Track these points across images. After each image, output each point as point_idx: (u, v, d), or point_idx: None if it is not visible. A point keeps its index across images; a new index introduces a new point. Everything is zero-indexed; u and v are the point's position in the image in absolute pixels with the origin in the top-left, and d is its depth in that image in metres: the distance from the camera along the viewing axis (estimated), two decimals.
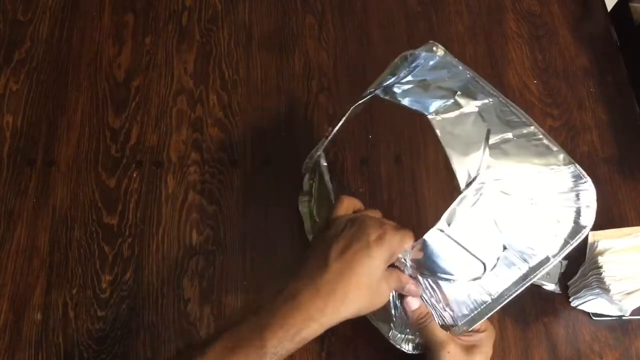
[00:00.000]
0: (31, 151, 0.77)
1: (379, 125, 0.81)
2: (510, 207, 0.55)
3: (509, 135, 0.58)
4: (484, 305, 0.58)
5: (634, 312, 0.68)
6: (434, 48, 0.64)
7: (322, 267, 0.51)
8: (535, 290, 0.72)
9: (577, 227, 0.57)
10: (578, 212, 0.57)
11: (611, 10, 0.95)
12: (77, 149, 0.77)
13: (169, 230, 0.73)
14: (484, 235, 0.55)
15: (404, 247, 0.55)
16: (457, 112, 0.58)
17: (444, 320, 0.60)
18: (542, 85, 0.86)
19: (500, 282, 0.57)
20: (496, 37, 0.89)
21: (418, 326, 0.59)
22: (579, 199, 0.57)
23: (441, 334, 0.58)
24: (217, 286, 0.71)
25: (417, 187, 0.78)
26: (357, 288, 0.51)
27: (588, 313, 0.71)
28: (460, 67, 0.62)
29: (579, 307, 0.71)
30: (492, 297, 0.58)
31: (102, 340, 0.67)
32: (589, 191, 0.57)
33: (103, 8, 0.87)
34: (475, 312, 0.58)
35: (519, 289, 0.57)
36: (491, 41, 0.89)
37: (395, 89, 0.63)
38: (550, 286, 0.72)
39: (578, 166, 0.57)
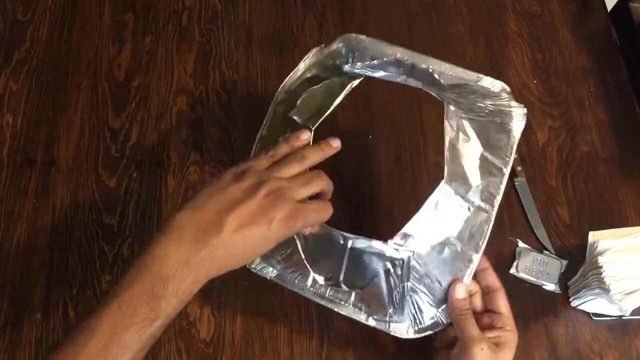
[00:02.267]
0: (31, 151, 0.77)
1: (379, 126, 0.81)
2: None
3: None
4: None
5: (634, 312, 0.68)
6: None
7: (215, 234, 0.48)
8: (535, 290, 0.72)
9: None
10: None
11: (611, 10, 0.95)
12: (77, 149, 0.77)
13: None
14: None
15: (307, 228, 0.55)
16: None
17: (435, 297, 0.61)
18: (542, 85, 0.86)
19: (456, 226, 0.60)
20: (496, 37, 0.89)
21: (457, 317, 0.59)
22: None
23: (477, 331, 0.58)
24: (217, 286, 0.71)
25: (417, 187, 0.78)
26: (242, 258, 0.51)
27: (588, 313, 0.71)
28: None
29: (579, 307, 0.71)
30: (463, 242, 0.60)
31: None
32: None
33: (103, 8, 0.87)
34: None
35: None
36: (491, 41, 0.89)
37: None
38: (550, 286, 0.72)
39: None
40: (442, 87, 0.63)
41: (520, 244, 0.74)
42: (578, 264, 0.71)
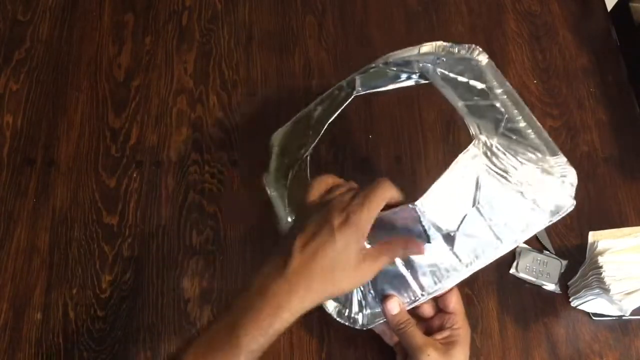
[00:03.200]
0: (31, 151, 0.77)
1: (379, 125, 0.81)
2: (495, 185, 0.57)
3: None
4: (455, 272, 0.59)
5: (634, 312, 0.68)
6: (476, 53, 0.66)
7: (287, 259, 0.51)
8: (535, 290, 0.72)
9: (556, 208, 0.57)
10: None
11: (611, 10, 0.95)
12: (77, 149, 0.77)
13: (169, 230, 0.73)
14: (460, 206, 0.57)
15: (372, 219, 0.54)
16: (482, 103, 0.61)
17: (413, 295, 0.60)
18: (542, 85, 0.86)
19: (471, 249, 0.58)
20: (496, 37, 0.89)
21: (398, 331, 0.60)
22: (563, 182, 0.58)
23: (421, 339, 0.58)
24: (217, 286, 0.71)
25: (417, 187, 0.78)
26: (322, 277, 0.51)
27: (588, 313, 0.71)
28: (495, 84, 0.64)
29: (579, 307, 0.71)
30: (465, 265, 0.59)
31: (102, 340, 0.67)
32: (569, 175, 0.58)
33: (103, 8, 0.87)
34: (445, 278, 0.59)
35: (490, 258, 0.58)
36: (491, 41, 0.89)
37: (437, 78, 0.63)
38: (550, 286, 0.72)
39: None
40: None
41: (521, 244, 0.74)
42: (578, 264, 0.71)
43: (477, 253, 0.58)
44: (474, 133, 0.57)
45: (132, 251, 0.72)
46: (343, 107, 0.67)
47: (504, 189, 0.57)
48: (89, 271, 0.70)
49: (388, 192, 0.56)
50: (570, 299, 0.71)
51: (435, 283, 0.60)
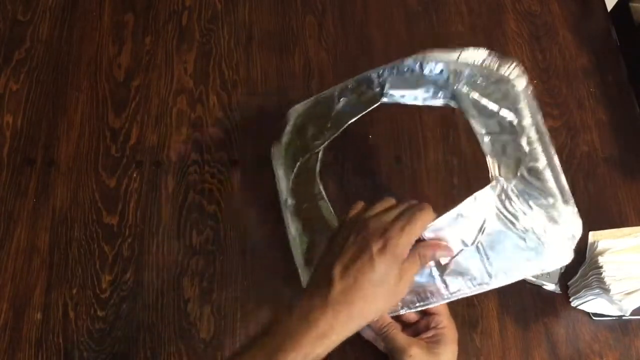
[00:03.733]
0: (31, 151, 0.77)
1: (379, 126, 0.81)
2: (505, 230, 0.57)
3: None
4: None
5: (634, 312, 0.68)
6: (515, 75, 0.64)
7: (328, 285, 0.51)
8: (535, 290, 0.72)
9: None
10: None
11: (611, 10, 0.95)
12: (77, 149, 0.77)
13: (169, 230, 0.73)
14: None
15: (411, 244, 0.54)
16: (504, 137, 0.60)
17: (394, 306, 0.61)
18: (542, 85, 0.86)
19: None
20: (496, 37, 0.89)
21: (381, 335, 0.61)
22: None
23: (402, 340, 0.59)
24: (217, 286, 0.71)
25: (417, 187, 0.78)
26: (363, 303, 0.51)
27: (588, 313, 0.71)
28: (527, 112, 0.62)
29: (579, 307, 0.71)
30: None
31: (102, 340, 0.67)
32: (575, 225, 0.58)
33: (103, 8, 0.87)
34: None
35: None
36: (491, 41, 0.89)
37: (466, 105, 0.63)
38: (550, 286, 0.72)
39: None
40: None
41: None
42: (578, 264, 0.71)
43: (465, 285, 0.59)
44: (493, 174, 0.57)
45: (132, 251, 0.72)
46: (368, 111, 0.66)
47: (508, 235, 0.57)
48: (89, 271, 0.70)
49: (429, 217, 0.55)
50: (570, 299, 0.71)
51: (417, 302, 0.61)
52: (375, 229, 0.53)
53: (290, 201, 0.71)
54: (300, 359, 0.49)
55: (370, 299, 0.51)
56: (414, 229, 0.54)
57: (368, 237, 0.52)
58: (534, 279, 0.72)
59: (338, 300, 0.50)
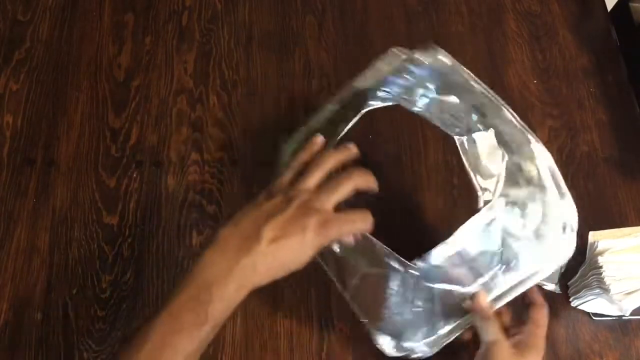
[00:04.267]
0: (31, 151, 0.77)
1: (379, 125, 0.81)
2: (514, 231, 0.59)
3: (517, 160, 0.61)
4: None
5: (634, 312, 0.68)
6: (440, 56, 0.67)
7: (254, 243, 0.53)
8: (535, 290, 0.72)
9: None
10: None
11: (611, 10, 0.95)
12: (77, 149, 0.77)
13: (169, 230, 0.73)
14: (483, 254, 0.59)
15: (333, 202, 0.56)
16: (477, 135, 0.62)
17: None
18: (542, 85, 0.86)
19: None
20: (496, 37, 0.89)
21: (480, 320, 0.60)
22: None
23: (497, 334, 0.59)
24: None
25: (417, 187, 0.78)
26: (282, 265, 0.54)
27: (588, 313, 0.71)
28: (472, 83, 0.66)
29: (579, 307, 0.71)
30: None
31: (102, 340, 0.67)
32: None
33: (103, 8, 0.87)
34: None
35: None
36: (491, 41, 0.89)
37: (417, 102, 0.65)
38: (550, 286, 0.72)
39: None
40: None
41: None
42: (578, 264, 0.71)
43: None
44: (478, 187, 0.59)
45: (132, 251, 0.72)
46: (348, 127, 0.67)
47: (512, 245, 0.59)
48: (89, 271, 0.70)
49: (353, 184, 0.58)
50: (570, 299, 0.71)
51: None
52: (305, 204, 0.55)
53: None
54: (225, 304, 0.51)
55: (289, 263, 0.54)
56: (335, 196, 0.56)
57: (306, 214, 0.54)
58: None
59: (261, 260, 0.53)
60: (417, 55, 0.69)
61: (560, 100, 0.85)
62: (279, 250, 0.53)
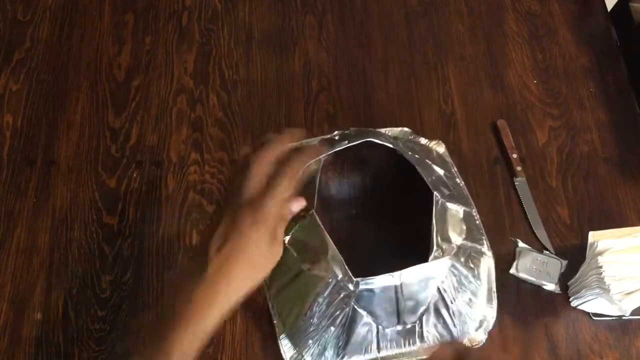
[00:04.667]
0: (31, 151, 0.77)
1: (379, 125, 0.81)
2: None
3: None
4: None
5: (634, 312, 0.68)
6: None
7: (205, 264, 0.52)
8: (535, 290, 0.72)
9: None
10: None
11: (611, 10, 0.95)
12: (77, 149, 0.77)
13: (169, 230, 0.73)
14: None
15: (281, 206, 0.54)
16: (450, 205, 0.67)
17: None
18: (542, 85, 0.86)
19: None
20: (496, 37, 0.89)
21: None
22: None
23: None
24: None
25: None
26: (240, 271, 0.53)
27: (588, 313, 0.71)
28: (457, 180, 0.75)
29: (579, 307, 0.71)
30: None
31: (102, 340, 0.67)
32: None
33: (103, 8, 0.87)
34: None
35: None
36: (491, 41, 0.89)
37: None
38: (550, 286, 0.72)
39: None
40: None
41: (520, 244, 0.74)
42: (578, 264, 0.71)
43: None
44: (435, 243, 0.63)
45: (132, 251, 0.72)
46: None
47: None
48: (89, 271, 0.70)
49: (297, 168, 0.54)
50: (570, 299, 0.71)
51: None
52: (246, 201, 0.54)
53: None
54: (191, 336, 0.50)
55: (247, 266, 0.53)
56: (281, 192, 0.53)
57: (238, 217, 0.53)
58: (533, 279, 0.72)
59: (215, 274, 0.52)
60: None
61: (560, 100, 0.85)
62: (227, 259, 0.52)
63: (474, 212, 0.72)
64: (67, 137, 0.78)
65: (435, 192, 0.64)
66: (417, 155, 0.71)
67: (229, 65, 0.84)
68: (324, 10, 0.89)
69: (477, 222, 0.72)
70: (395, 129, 0.78)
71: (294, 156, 0.54)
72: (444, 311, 0.64)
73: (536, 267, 0.72)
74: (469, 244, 0.67)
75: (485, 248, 0.70)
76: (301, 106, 0.82)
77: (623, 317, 0.70)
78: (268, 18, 0.88)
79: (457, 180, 0.75)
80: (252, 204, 0.53)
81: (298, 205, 0.55)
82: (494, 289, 0.69)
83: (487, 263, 0.70)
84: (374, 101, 0.83)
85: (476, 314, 0.67)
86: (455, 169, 0.76)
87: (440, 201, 0.64)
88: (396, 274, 0.60)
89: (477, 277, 0.67)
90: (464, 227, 0.67)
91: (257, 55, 0.85)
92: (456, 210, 0.67)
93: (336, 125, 0.80)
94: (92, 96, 0.81)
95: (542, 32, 0.90)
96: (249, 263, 0.53)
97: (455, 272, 0.64)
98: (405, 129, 0.78)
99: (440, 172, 0.72)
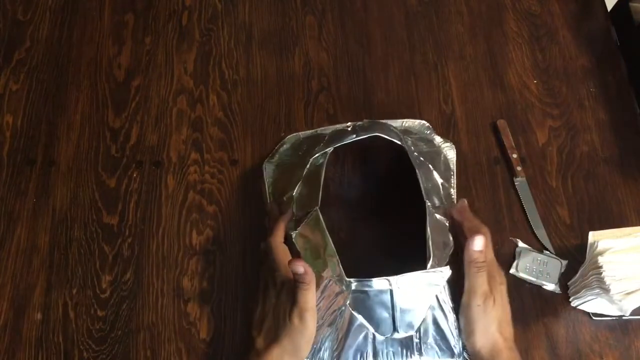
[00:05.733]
0: (31, 151, 0.77)
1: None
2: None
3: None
4: None
5: (634, 312, 0.68)
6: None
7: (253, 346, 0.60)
8: (535, 290, 0.72)
9: None
10: None
11: (611, 10, 0.95)
12: (77, 149, 0.77)
13: (169, 230, 0.73)
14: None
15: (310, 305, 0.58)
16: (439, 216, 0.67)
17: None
18: (542, 85, 0.86)
19: None
20: (496, 37, 0.89)
21: (472, 269, 0.61)
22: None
23: (483, 286, 0.60)
24: (217, 286, 0.71)
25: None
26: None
27: (588, 313, 0.71)
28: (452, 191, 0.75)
29: (579, 307, 0.71)
30: None
31: (102, 340, 0.67)
32: None
33: (103, 8, 0.87)
34: None
35: None
36: (491, 41, 0.89)
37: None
38: (550, 286, 0.72)
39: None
40: (397, 134, 0.69)
41: (520, 244, 0.74)
42: (578, 264, 0.71)
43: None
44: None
45: (132, 251, 0.72)
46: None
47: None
48: (89, 271, 0.71)
49: (310, 293, 0.59)
50: (570, 299, 0.71)
51: None
52: (281, 315, 0.60)
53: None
54: None
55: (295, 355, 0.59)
56: (304, 310, 0.58)
57: (280, 324, 0.59)
58: (533, 279, 0.72)
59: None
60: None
61: (560, 100, 0.85)
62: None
63: None
64: (67, 137, 0.78)
65: (427, 202, 0.64)
66: (421, 158, 0.70)
67: (229, 65, 0.84)
68: (324, 10, 0.90)
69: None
70: (414, 120, 0.78)
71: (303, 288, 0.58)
72: (442, 322, 0.62)
73: (536, 267, 0.72)
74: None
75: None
76: (301, 106, 0.82)
77: (623, 317, 0.70)
78: (268, 18, 0.88)
79: (451, 191, 0.74)
80: (287, 314, 0.59)
81: (299, 266, 0.58)
82: None
83: None
84: (374, 101, 0.83)
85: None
86: (455, 180, 0.75)
87: (432, 211, 0.64)
88: (392, 278, 0.59)
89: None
90: (451, 239, 0.67)
91: (257, 55, 0.85)
92: (444, 222, 0.67)
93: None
94: (92, 96, 0.81)
95: (542, 32, 0.90)
96: (293, 352, 0.59)
97: (451, 283, 0.63)
98: (424, 122, 0.78)
99: (439, 181, 0.72)
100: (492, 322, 0.60)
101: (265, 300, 0.63)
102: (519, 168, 0.78)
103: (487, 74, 0.86)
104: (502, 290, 0.63)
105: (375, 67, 0.86)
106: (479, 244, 0.61)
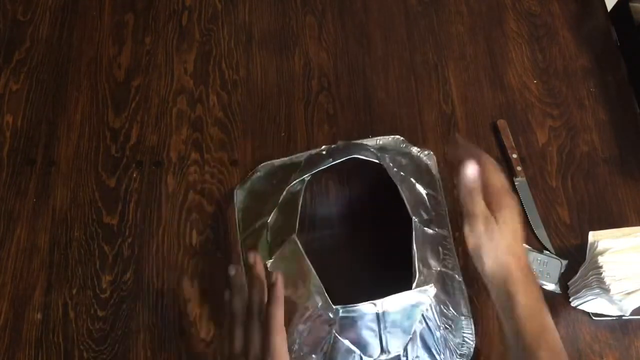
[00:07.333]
0: (31, 151, 0.77)
1: (379, 126, 0.81)
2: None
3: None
4: None
5: (634, 312, 0.68)
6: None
7: None
8: None
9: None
10: None
11: (611, 10, 0.95)
12: (77, 149, 0.77)
13: (169, 230, 0.73)
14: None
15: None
16: (428, 230, 0.67)
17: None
18: (542, 85, 0.86)
19: None
20: (496, 37, 0.89)
21: (466, 192, 0.58)
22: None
23: (482, 206, 0.57)
24: (217, 286, 0.71)
25: None
26: None
27: (588, 313, 0.71)
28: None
29: (579, 307, 0.71)
30: None
31: (102, 340, 0.67)
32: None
33: (103, 8, 0.87)
34: None
35: None
36: (491, 41, 0.89)
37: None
38: (550, 286, 0.72)
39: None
40: (374, 153, 0.67)
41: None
42: (578, 264, 0.71)
43: None
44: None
45: (132, 251, 0.72)
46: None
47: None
48: (89, 271, 0.70)
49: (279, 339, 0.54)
50: (570, 299, 0.71)
51: None
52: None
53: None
54: None
55: None
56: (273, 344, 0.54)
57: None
58: None
59: None
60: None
61: (560, 100, 0.85)
62: None
63: (450, 235, 0.71)
64: (67, 137, 0.78)
65: (414, 217, 0.63)
66: (402, 172, 0.69)
67: (229, 65, 0.84)
68: (324, 10, 0.89)
69: (450, 246, 0.70)
70: (387, 137, 0.76)
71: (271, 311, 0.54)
72: (429, 339, 0.62)
73: (536, 267, 0.72)
74: (445, 269, 0.67)
75: (457, 274, 0.69)
76: (301, 106, 0.82)
77: (623, 317, 0.70)
78: (268, 18, 0.88)
79: (440, 197, 0.73)
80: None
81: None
82: (470, 314, 0.68)
83: (460, 288, 0.69)
84: (374, 101, 0.83)
85: (456, 342, 0.66)
86: (441, 184, 0.74)
87: (419, 226, 0.63)
88: (378, 301, 0.58)
89: (454, 303, 0.67)
90: (441, 250, 0.66)
91: (257, 55, 0.85)
92: (434, 234, 0.67)
93: (336, 125, 0.81)
94: (92, 96, 0.81)
95: (542, 32, 0.90)
96: None
97: (436, 299, 0.63)
98: (398, 136, 0.77)
99: (424, 192, 0.70)
100: (498, 245, 0.57)
101: (233, 340, 0.58)
102: (519, 168, 0.78)
103: (487, 74, 0.86)
104: (509, 213, 0.58)
105: (375, 67, 0.86)
106: (467, 169, 0.57)
